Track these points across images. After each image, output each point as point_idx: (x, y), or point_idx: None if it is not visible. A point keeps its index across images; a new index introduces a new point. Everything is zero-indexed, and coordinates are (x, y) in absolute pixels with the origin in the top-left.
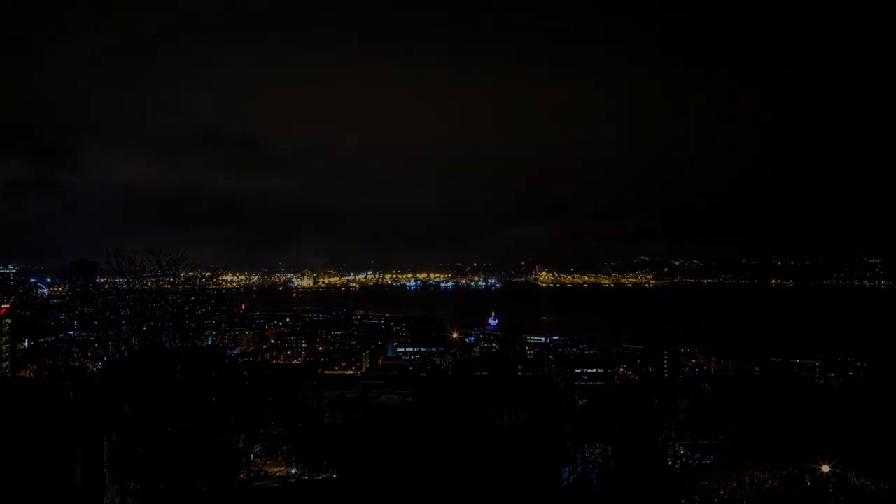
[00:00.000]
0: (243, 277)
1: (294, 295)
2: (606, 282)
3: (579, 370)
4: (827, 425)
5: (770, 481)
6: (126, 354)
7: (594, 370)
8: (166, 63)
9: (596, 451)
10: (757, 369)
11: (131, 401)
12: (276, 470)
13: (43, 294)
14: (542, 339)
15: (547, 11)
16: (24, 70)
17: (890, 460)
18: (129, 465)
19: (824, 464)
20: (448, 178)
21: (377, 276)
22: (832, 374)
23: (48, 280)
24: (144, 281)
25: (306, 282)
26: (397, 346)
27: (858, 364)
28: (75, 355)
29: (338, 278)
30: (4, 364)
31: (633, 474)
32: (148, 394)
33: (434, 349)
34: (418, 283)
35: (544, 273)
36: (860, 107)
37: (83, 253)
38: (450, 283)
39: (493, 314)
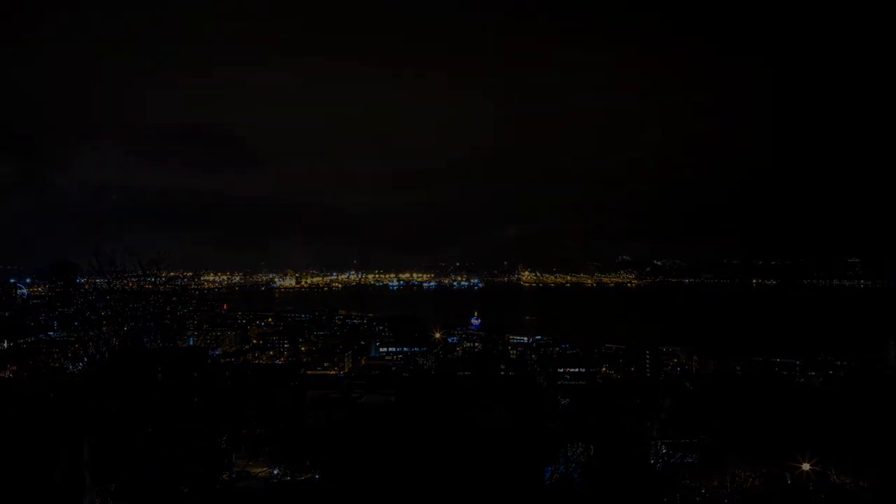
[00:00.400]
0: (225, 277)
1: (276, 295)
2: (589, 281)
3: (562, 370)
4: (807, 424)
5: (751, 479)
6: (107, 355)
7: (577, 370)
8: (151, 60)
9: (579, 451)
10: (738, 368)
11: (112, 401)
12: (258, 471)
13: (22, 294)
14: (525, 338)
15: (543, 12)
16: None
17: (869, 459)
18: (110, 465)
19: (804, 462)
20: (433, 179)
21: (360, 276)
22: (812, 373)
23: (27, 280)
24: (125, 281)
25: (289, 282)
26: (380, 346)
27: (838, 363)
28: (55, 356)
29: (320, 278)
30: None
31: (616, 473)
32: (129, 394)
33: (417, 349)
34: (401, 282)
35: (527, 273)
36: (845, 107)
37: (63, 253)
38: (432, 283)
39: (475, 314)
